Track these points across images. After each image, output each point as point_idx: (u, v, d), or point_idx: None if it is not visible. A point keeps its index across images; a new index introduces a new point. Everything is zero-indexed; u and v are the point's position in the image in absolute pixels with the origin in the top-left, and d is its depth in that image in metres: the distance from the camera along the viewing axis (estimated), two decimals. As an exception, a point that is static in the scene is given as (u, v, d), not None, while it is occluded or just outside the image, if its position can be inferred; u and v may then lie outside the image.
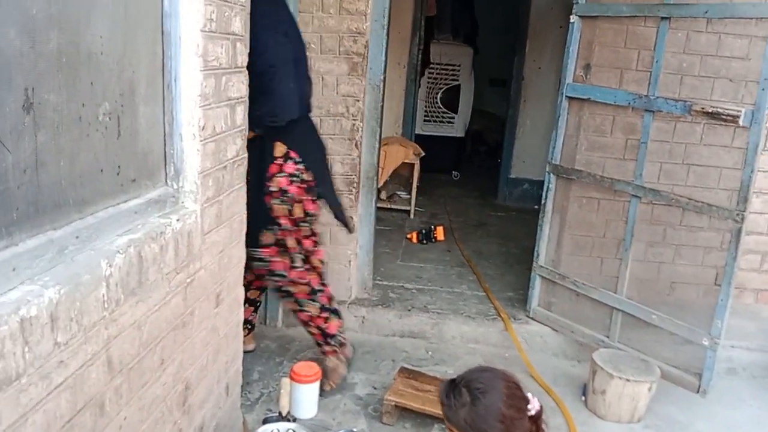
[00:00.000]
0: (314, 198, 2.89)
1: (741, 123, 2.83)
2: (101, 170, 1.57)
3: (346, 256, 3.77)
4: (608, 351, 3.25)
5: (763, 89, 2.76)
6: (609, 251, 3.65)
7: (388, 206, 5.88)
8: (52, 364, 1.31)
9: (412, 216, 5.87)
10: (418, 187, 5.94)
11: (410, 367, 3.27)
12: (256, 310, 3.34)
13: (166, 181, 1.91)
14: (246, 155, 2.38)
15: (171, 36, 1.83)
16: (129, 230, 1.65)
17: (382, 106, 3.71)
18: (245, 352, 2.71)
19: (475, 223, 5.91)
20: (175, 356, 1.91)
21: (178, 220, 1.84)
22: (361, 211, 3.77)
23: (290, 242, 2.90)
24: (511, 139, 6.53)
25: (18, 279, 1.27)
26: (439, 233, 5.19)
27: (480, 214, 6.23)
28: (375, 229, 3.98)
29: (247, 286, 2.76)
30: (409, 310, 3.83)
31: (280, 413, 2.55)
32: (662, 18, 3.12)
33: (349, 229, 3.21)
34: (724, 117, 2.90)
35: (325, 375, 3.03)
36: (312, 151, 2.90)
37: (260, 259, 2.87)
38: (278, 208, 2.80)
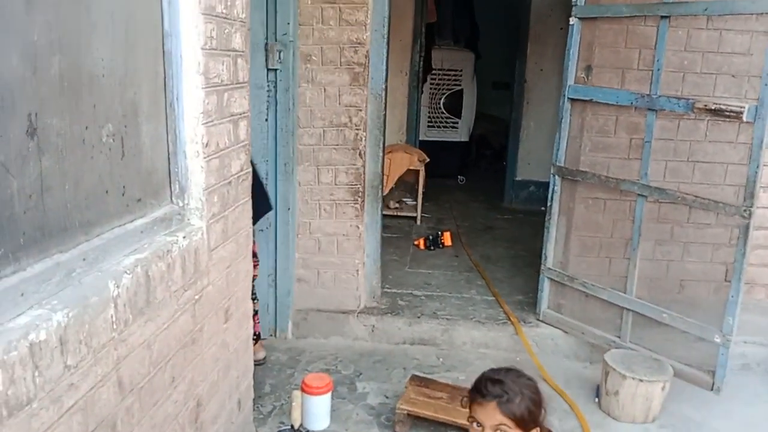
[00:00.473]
0: None
1: (745, 118, 2.82)
2: (106, 191, 1.58)
3: (354, 265, 3.77)
4: (620, 351, 3.23)
5: (766, 84, 2.75)
6: (617, 251, 3.63)
7: (395, 213, 5.88)
8: (63, 387, 1.32)
9: (418, 222, 5.87)
10: (423, 193, 5.94)
11: (421, 374, 3.27)
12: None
13: (171, 199, 1.92)
14: (251, 169, 2.39)
15: (172, 55, 1.85)
16: (135, 250, 1.66)
17: (385, 115, 3.72)
18: (256, 363, 2.71)
19: (482, 227, 5.90)
20: (186, 373, 1.92)
21: (184, 237, 1.85)
22: (367, 220, 3.78)
23: None
24: (516, 141, 6.53)
25: (26, 304, 1.28)
26: (447, 239, 5.19)
27: (487, 217, 6.23)
28: (382, 236, 3.98)
29: None
30: (419, 317, 3.83)
31: (292, 426, 2.55)
32: (662, 17, 3.11)
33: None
34: (727, 113, 2.89)
35: None
36: None
37: None
38: None
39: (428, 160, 5.99)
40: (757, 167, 2.80)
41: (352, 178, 3.64)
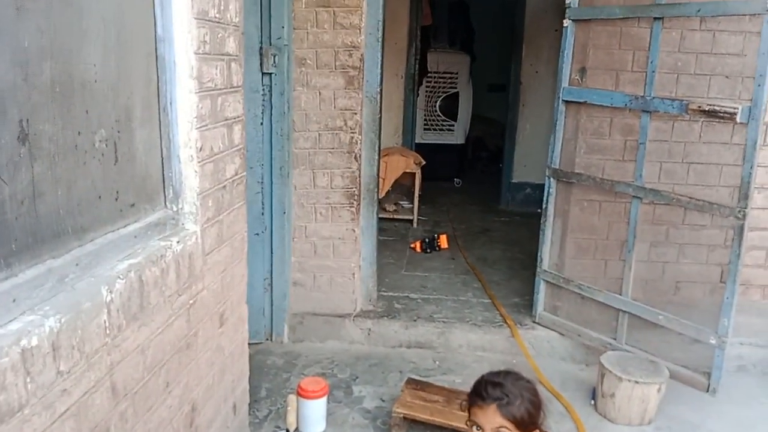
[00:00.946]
0: None
1: (738, 119, 2.82)
2: (99, 197, 1.58)
3: (350, 268, 3.77)
4: (616, 353, 3.24)
5: (759, 85, 2.76)
6: (612, 253, 3.63)
7: (391, 216, 5.88)
8: (55, 393, 1.32)
9: (415, 225, 5.86)
10: (420, 195, 5.95)
11: (418, 377, 3.27)
12: None
13: (165, 203, 1.92)
14: (245, 173, 2.39)
15: (165, 60, 1.85)
16: (129, 255, 1.66)
17: (380, 118, 3.72)
18: None
19: (478, 229, 5.90)
20: (181, 378, 1.91)
21: (178, 242, 1.85)
22: (363, 223, 3.78)
23: None
24: (512, 144, 6.53)
25: (18, 310, 1.28)
26: (443, 241, 5.19)
27: (483, 220, 6.23)
28: (378, 240, 3.98)
29: None
30: (415, 320, 3.82)
31: (287, 430, 2.55)
32: (655, 18, 3.12)
33: None
34: (721, 114, 2.90)
35: None
36: None
37: None
38: None
39: (424, 162, 6.00)
40: (751, 168, 2.81)
41: (348, 182, 3.64)
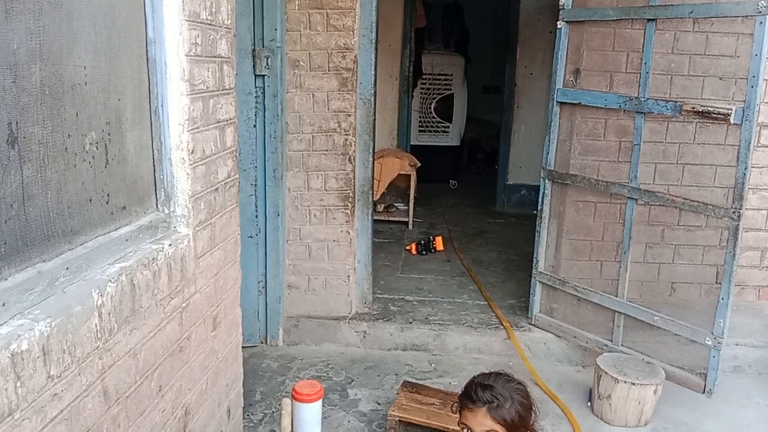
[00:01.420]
0: None
1: (732, 120, 2.83)
2: (90, 200, 1.57)
3: (345, 271, 3.76)
4: (612, 355, 3.23)
5: (752, 86, 2.76)
6: (608, 254, 3.63)
7: (386, 218, 5.87)
8: (46, 397, 1.31)
9: (410, 227, 5.86)
10: (415, 197, 5.94)
11: (413, 380, 3.26)
12: None
13: (156, 206, 1.91)
14: (238, 176, 2.38)
15: (156, 62, 1.84)
16: (120, 258, 1.64)
17: (374, 120, 3.71)
18: None
19: (474, 231, 5.90)
20: (174, 382, 1.90)
21: (170, 245, 1.83)
22: (358, 225, 3.77)
23: None
24: (507, 145, 6.54)
25: (8, 314, 1.27)
26: (439, 243, 5.18)
27: (479, 222, 6.23)
28: (373, 242, 3.97)
29: None
30: (411, 323, 3.81)
31: (283, 434, 2.53)
32: (648, 20, 3.13)
33: None
34: (715, 115, 2.90)
35: None
36: None
37: None
38: None
39: (419, 164, 6.00)
40: (745, 169, 2.82)
41: (342, 184, 3.63)
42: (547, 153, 3.58)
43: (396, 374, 3.46)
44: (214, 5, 2.05)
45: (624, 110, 3.32)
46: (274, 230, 3.60)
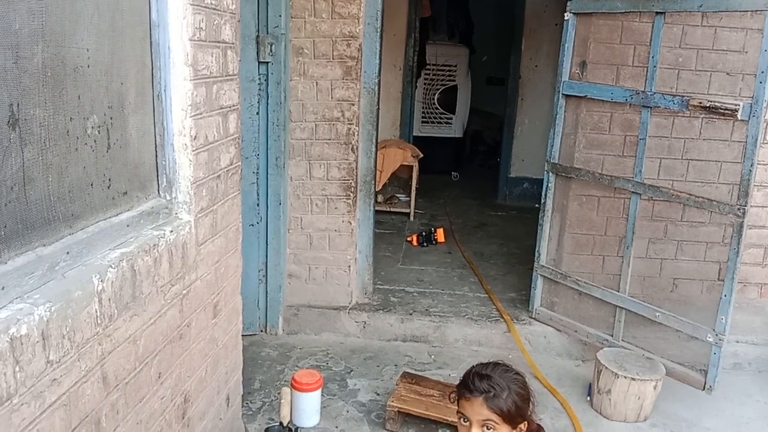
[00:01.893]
0: None
1: (739, 116, 2.81)
2: (91, 184, 1.55)
3: (346, 261, 3.75)
4: (612, 350, 3.22)
5: (760, 82, 2.74)
6: (610, 249, 3.61)
7: (388, 209, 5.85)
8: (45, 382, 1.30)
9: (412, 218, 5.84)
10: (417, 189, 5.92)
11: (413, 371, 3.25)
12: None
13: (158, 192, 1.89)
14: (240, 163, 2.36)
15: (160, 46, 1.81)
16: (121, 244, 1.63)
17: (378, 110, 3.69)
18: None
19: (475, 223, 5.88)
20: (173, 369, 1.89)
21: (171, 231, 1.82)
22: (360, 216, 3.75)
23: None
24: (510, 138, 6.51)
25: (7, 298, 1.25)
26: (440, 235, 5.17)
27: (480, 214, 6.21)
28: (374, 232, 3.96)
29: None
30: (411, 314, 3.80)
31: (281, 423, 2.53)
32: (657, 13, 3.09)
33: None
34: (722, 111, 2.88)
35: None
36: None
37: None
38: None
39: (422, 155, 5.97)
40: (752, 165, 2.79)
41: (345, 173, 3.61)
42: (552, 146, 3.56)
43: (395, 365, 3.46)
44: (219, -11, 2.02)
45: (630, 104, 3.30)
46: (276, 219, 3.58)
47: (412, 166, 5.82)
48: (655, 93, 3.11)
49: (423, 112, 7.39)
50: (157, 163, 1.87)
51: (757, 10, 2.86)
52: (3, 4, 1.23)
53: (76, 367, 1.40)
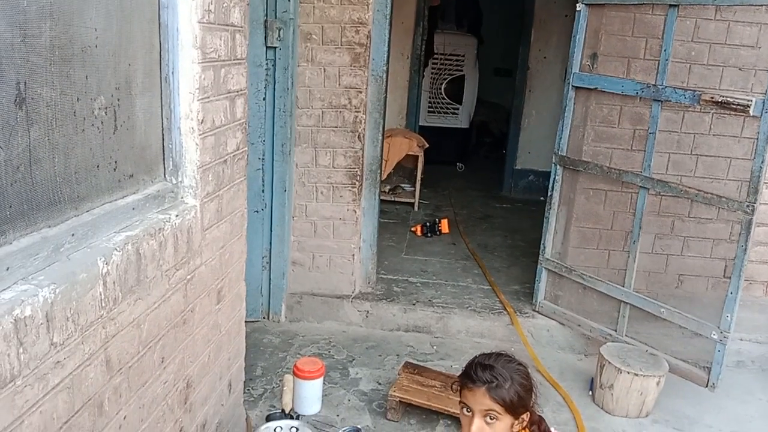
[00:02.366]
0: None
1: (751, 112, 2.78)
2: (97, 166, 1.54)
3: (350, 250, 3.73)
4: (616, 345, 3.21)
5: (773, 78, 2.71)
6: (616, 243, 3.59)
7: (392, 199, 5.83)
8: (48, 364, 1.29)
9: (416, 208, 5.82)
10: (422, 179, 5.89)
11: (415, 362, 3.25)
12: None
13: (164, 176, 1.88)
14: (246, 148, 2.35)
15: (168, 28, 1.79)
16: (126, 227, 1.61)
17: (385, 98, 3.66)
18: None
19: (480, 215, 5.86)
20: (176, 354, 1.88)
21: (177, 215, 1.80)
22: (365, 205, 3.73)
23: None
24: (517, 130, 6.47)
25: (12, 278, 1.24)
26: (444, 226, 5.15)
27: (485, 206, 6.19)
28: (379, 222, 3.94)
29: None
30: (414, 305, 3.79)
31: (283, 410, 2.52)
32: (670, 5, 3.06)
33: None
34: (733, 106, 2.85)
35: None
36: None
37: None
38: None
39: (428, 145, 5.94)
40: (762, 162, 2.77)
41: (351, 162, 3.59)
42: (560, 138, 3.53)
43: (397, 355, 3.45)
44: (229, -28, 1.99)
45: (641, 97, 3.26)
46: (281, 206, 3.57)
47: (417, 156, 5.80)
48: (666, 87, 3.08)
49: (429, 102, 7.35)
50: (163, 146, 1.85)
51: (772, 5, 2.83)
52: (11, -20, 1.21)
53: (80, 350, 1.39)
